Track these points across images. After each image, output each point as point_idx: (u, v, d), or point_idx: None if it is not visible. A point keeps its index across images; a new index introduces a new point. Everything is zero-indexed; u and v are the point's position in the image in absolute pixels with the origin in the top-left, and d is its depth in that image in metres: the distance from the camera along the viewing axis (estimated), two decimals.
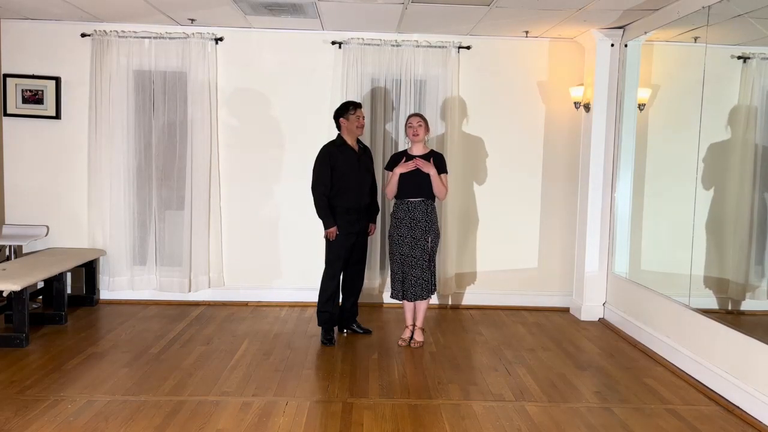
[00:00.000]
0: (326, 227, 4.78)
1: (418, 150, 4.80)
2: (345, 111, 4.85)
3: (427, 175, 4.71)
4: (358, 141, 4.97)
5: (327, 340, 4.83)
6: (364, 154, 4.99)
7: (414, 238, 4.71)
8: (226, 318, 5.54)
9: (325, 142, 5.02)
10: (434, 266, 4.85)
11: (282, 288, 6.05)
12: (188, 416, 3.49)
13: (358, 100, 5.80)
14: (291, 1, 4.94)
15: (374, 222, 5.13)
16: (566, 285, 6.12)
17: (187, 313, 5.68)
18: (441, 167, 4.77)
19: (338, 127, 4.91)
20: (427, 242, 4.73)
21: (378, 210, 5.18)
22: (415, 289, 4.73)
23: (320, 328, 4.94)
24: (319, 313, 4.89)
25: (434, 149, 4.96)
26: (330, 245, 4.84)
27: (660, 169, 5.38)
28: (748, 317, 4.78)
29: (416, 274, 4.72)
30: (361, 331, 5.10)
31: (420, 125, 4.75)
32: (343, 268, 4.92)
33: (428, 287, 4.77)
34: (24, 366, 4.22)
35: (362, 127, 4.87)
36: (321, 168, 4.78)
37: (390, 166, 4.89)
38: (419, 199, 4.74)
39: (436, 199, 4.85)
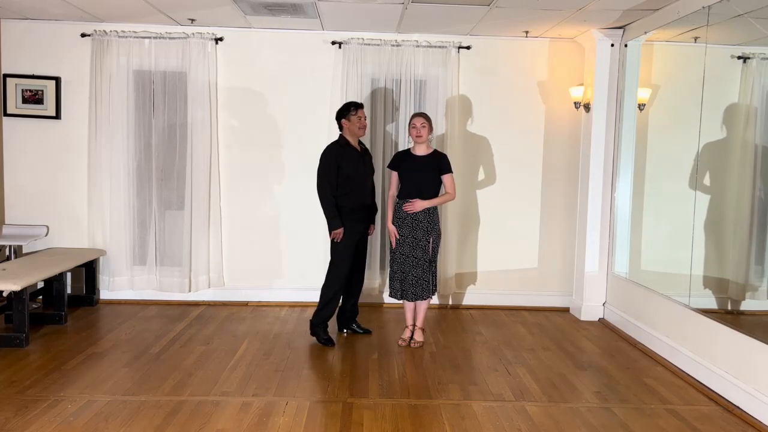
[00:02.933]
0: (333, 228, 4.76)
1: (421, 150, 4.80)
2: (347, 112, 4.83)
3: (429, 177, 4.71)
4: (359, 142, 4.97)
5: (326, 340, 4.83)
6: (366, 154, 5.00)
7: (415, 238, 4.71)
8: (226, 318, 5.54)
9: (326, 142, 5.00)
10: (435, 267, 4.84)
11: (282, 288, 6.05)
12: (188, 416, 3.49)
13: (359, 101, 5.82)
14: (291, 1, 4.94)
15: (374, 222, 5.13)
16: (566, 285, 6.12)
17: (187, 313, 5.67)
18: (444, 167, 4.77)
19: (340, 128, 4.90)
20: (428, 243, 4.73)
21: (377, 210, 5.18)
22: (416, 289, 4.73)
23: (322, 329, 4.86)
24: (321, 311, 4.83)
25: (437, 149, 4.95)
26: (336, 246, 4.82)
27: (660, 169, 5.38)
28: (748, 317, 4.78)
29: (417, 274, 4.72)
30: (361, 331, 5.10)
31: (423, 126, 4.74)
32: (350, 269, 4.90)
33: (428, 288, 4.76)
34: (24, 366, 4.22)
35: (364, 127, 4.86)
36: (328, 168, 4.75)
37: (392, 165, 4.88)
38: (419, 199, 4.73)
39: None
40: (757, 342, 3.70)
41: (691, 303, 4.46)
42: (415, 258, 4.72)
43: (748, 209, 4.68)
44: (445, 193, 4.80)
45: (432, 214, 4.76)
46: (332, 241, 4.84)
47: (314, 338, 4.93)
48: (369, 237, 5.14)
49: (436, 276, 4.86)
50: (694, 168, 4.62)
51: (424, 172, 4.72)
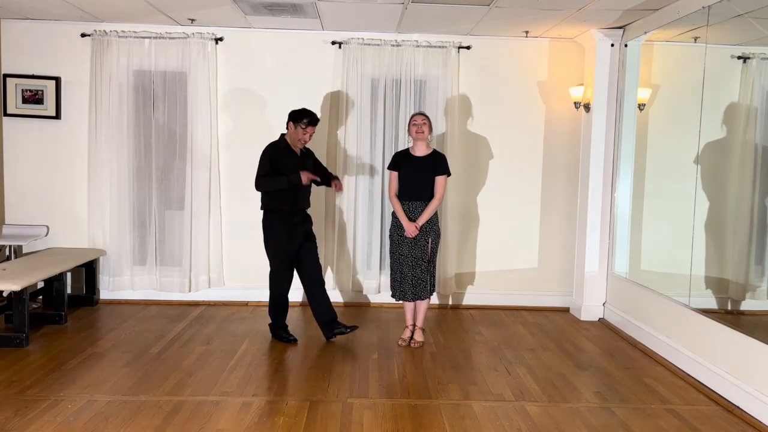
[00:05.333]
0: (294, 180, 4.59)
1: (420, 150, 4.79)
2: (298, 119, 4.69)
3: (428, 178, 4.71)
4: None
5: (286, 337, 4.86)
6: (306, 157, 4.89)
7: (414, 238, 4.71)
8: (226, 318, 5.54)
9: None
10: (434, 267, 4.84)
11: None
12: (188, 416, 3.49)
13: (357, 102, 5.82)
14: (291, 1, 4.94)
15: (337, 178, 4.99)
16: (566, 285, 6.12)
17: (187, 313, 5.67)
18: (440, 169, 4.76)
19: (287, 126, 4.80)
20: (427, 243, 4.73)
21: (332, 175, 5.04)
22: (416, 289, 4.73)
23: (278, 329, 4.90)
24: (271, 314, 4.89)
25: (436, 149, 4.94)
26: (273, 248, 4.74)
27: (660, 169, 5.38)
28: (748, 317, 4.78)
29: (416, 274, 4.72)
30: (348, 330, 4.89)
31: (424, 123, 4.73)
32: (291, 271, 4.84)
33: (428, 287, 4.77)
34: (24, 366, 4.22)
35: (302, 142, 4.74)
36: (263, 171, 4.67)
37: (392, 165, 4.87)
38: (419, 201, 4.73)
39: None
40: (757, 342, 3.70)
41: (691, 303, 4.46)
42: (414, 258, 4.72)
43: (748, 209, 4.68)
44: (432, 198, 4.72)
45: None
46: (269, 249, 4.77)
47: (314, 338, 4.95)
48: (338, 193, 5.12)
49: (434, 276, 4.85)
50: (695, 168, 4.61)
51: (424, 173, 4.72)
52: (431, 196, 4.74)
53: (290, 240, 4.74)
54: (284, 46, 5.92)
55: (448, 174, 4.81)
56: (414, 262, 4.71)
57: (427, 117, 4.78)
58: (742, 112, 4.75)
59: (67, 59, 5.83)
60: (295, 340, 4.86)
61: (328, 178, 4.97)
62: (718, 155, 4.73)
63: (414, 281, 4.72)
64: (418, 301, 4.83)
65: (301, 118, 4.69)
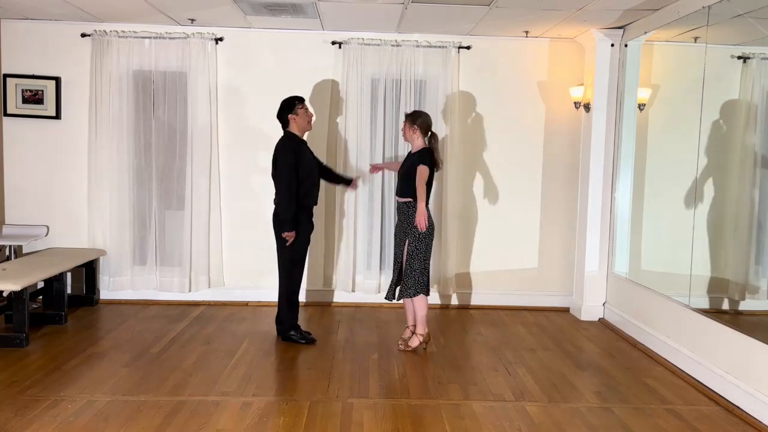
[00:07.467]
0: (288, 230, 4.59)
1: (414, 147, 4.76)
2: (293, 106, 4.72)
3: (407, 170, 4.64)
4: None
5: (308, 338, 4.82)
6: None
7: (398, 238, 4.77)
8: (226, 318, 5.54)
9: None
10: (414, 269, 4.59)
11: None
12: (188, 416, 3.49)
13: (358, 101, 5.82)
14: (291, 1, 4.94)
15: (354, 181, 5.20)
16: (566, 285, 6.12)
17: (187, 313, 5.67)
18: (418, 159, 4.59)
19: (286, 124, 4.77)
20: (404, 243, 4.67)
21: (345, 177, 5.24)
22: (394, 287, 4.79)
23: (296, 330, 4.84)
24: (291, 316, 4.83)
25: (427, 146, 4.80)
26: (292, 247, 4.69)
27: (660, 168, 5.38)
28: (748, 317, 4.78)
29: (395, 271, 4.77)
30: (303, 341, 4.83)
31: (403, 127, 4.75)
32: (304, 266, 4.87)
33: (406, 289, 4.64)
34: (24, 366, 4.22)
35: (311, 121, 4.81)
36: (291, 166, 4.56)
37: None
38: (403, 199, 4.67)
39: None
40: (757, 342, 3.70)
41: (691, 303, 4.46)
42: (396, 255, 4.78)
43: (748, 209, 4.68)
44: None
45: (410, 215, 4.61)
46: (284, 243, 4.68)
47: (316, 338, 4.94)
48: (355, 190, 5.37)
49: (415, 279, 4.61)
50: (695, 168, 4.61)
51: (406, 166, 4.70)
52: (405, 189, 4.63)
53: (307, 233, 4.79)
54: (284, 46, 5.92)
55: (428, 165, 4.56)
56: (395, 259, 4.79)
57: (407, 118, 4.70)
58: (742, 112, 4.75)
59: (67, 59, 5.83)
60: (314, 340, 4.83)
61: (334, 175, 5.14)
62: (718, 155, 4.73)
63: (395, 279, 4.77)
64: (408, 303, 4.78)
65: (293, 104, 4.76)
